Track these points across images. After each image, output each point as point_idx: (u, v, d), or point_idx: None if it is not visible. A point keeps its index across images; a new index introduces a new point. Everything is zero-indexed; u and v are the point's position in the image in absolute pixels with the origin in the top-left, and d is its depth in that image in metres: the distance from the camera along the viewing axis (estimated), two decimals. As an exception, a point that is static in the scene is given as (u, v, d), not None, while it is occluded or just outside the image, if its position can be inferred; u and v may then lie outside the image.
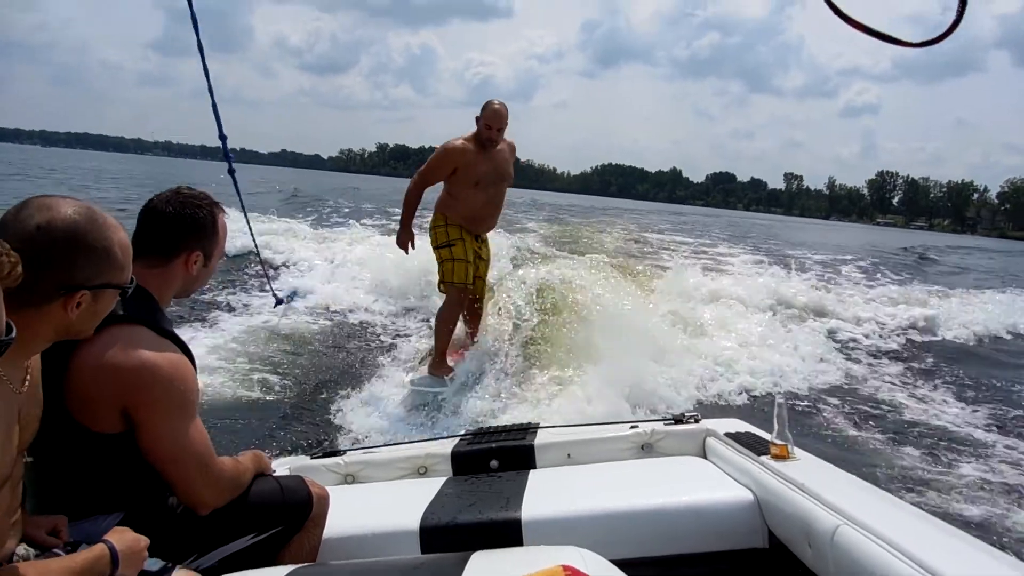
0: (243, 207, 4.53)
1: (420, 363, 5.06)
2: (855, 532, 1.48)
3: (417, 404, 4.50)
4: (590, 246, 13.10)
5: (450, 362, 4.82)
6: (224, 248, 1.76)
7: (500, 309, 5.33)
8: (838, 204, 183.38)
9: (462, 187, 4.69)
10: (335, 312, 7.08)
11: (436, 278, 4.92)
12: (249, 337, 5.80)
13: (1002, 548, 1.42)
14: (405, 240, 4.82)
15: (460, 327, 5.13)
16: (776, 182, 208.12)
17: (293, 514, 1.71)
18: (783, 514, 1.78)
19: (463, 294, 4.79)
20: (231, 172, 3.74)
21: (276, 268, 8.86)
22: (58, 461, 1.44)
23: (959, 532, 1.49)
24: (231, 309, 6.77)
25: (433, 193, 4.91)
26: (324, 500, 1.80)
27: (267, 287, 5.31)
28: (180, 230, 1.63)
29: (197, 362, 1.61)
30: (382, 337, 5.79)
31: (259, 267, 7.57)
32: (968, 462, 4.13)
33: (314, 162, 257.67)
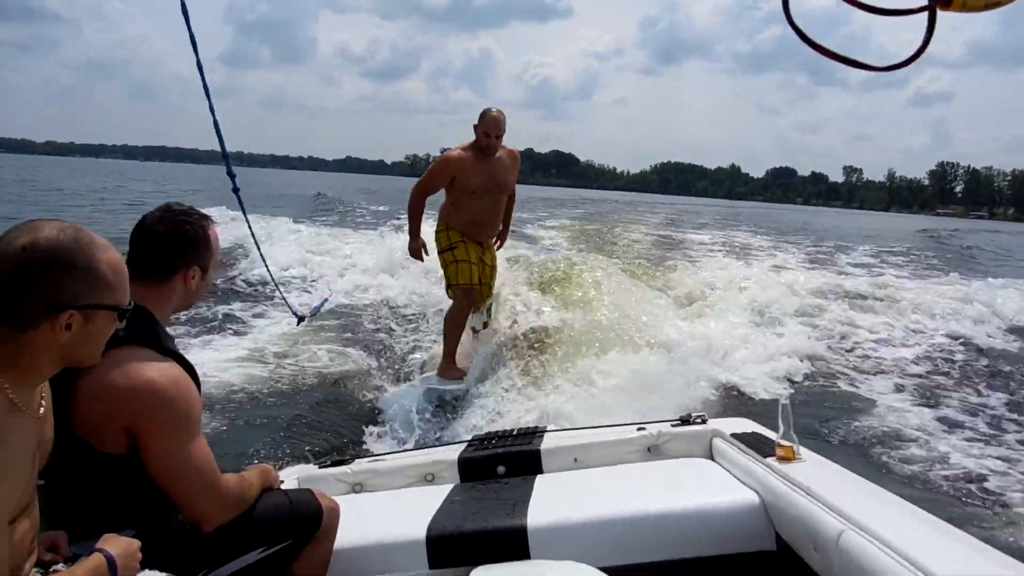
0: (249, 226, 4.72)
1: (425, 368, 5.10)
2: (860, 537, 1.47)
3: (425, 407, 4.50)
4: (612, 244, 12.96)
5: (460, 364, 4.85)
6: (219, 259, 1.78)
7: (509, 309, 5.33)
8: (898, 196, 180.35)
9: (460, 195, 4.74)
10: (342, 318, 7.12)
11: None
12: (259, 346, 5.84)
13: (1013, 555, 1.36)
14: (416, 248, 4.89)
15: (469, 332, 5.18)
16: (838, 176, 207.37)
17: (302, 527, 1.72)
18: (789, 517, 1.77)
19: (469, 295, 4.83)
20: (235, 191, 3.78)
21: (284, 283, 9.00)
22: (69, 482, 1.46)
23: (967, 537, 1.47)
24: (242, 321, 6.84)
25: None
26: (334, 513, 1.81)
27: (287, 306, 5.47)
28: (175, 248, 1.64)
29: (205, 373, 1.62)
30: (389, 342, 5.82)
31: (272, 286, 7.79)
32: (986, 464, 4.01)
33: (379, 167, 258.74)
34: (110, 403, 1.43)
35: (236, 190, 3.72)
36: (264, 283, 8.42)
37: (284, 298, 5.30)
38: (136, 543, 1.31)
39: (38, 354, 1.14)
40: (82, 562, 1.23)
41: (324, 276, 9.16)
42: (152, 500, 1.51)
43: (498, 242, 5.24)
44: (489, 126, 4.59)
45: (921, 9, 0.76)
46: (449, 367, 4.78)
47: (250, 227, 4.65)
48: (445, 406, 4.51)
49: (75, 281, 1.15)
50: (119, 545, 1.28)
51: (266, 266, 4.78)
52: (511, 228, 5.36)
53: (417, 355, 5.50)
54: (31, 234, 1.13)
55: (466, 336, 5.09)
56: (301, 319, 5.55)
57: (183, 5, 3.00)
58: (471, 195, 4.69)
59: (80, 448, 1.44)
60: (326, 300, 7.03)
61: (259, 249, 4.78)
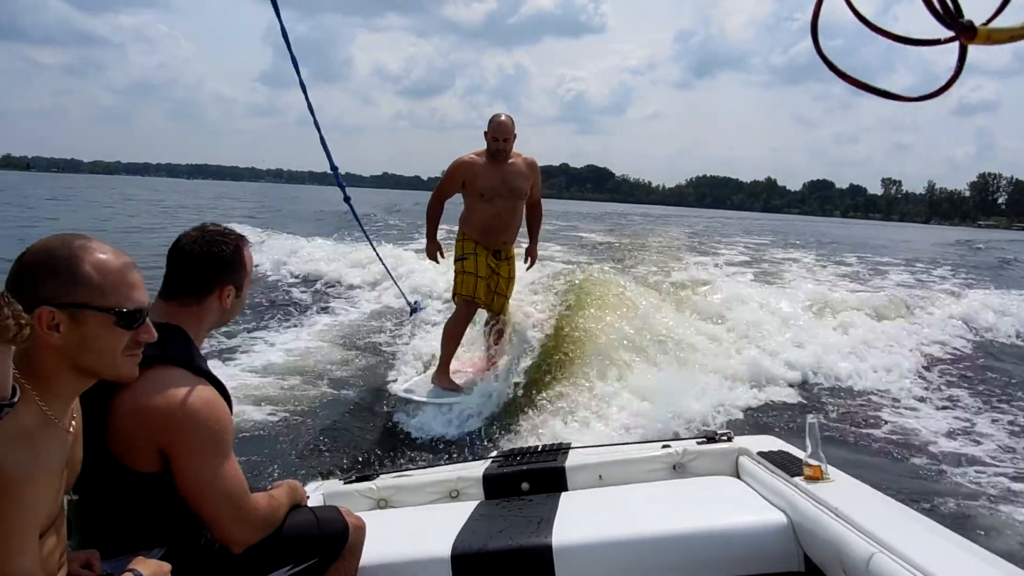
0: (363, 229, 5.13)
1: (420, 374, 5.17)
2: (891, 561, 1.44)
3: (446, 421, 4.53)
4: (635, 256, 12.84)
5: (463, 378, 4.91)
6: (251, 278, 1.80)
7: (530, 322, 5.35)
8: (938, 208, 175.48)
9: (471, 199, 4.91)
10: (363, 328, 7.22)
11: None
12: (281, 361, 5.91)
13: None
14: (432, 251, 5.13)
15: (479, 342, 5.29)
16: (877, 188, 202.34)
17: (329, 545, 1.73)
18: (818, 538, 1.75)
19: (469, 307, 4.97)
20: (346, 200, 4.24)
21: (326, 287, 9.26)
22: (102, 499, 1.49)
23: (1004, 563, 1.43)
24: (265, 334, 6.91)
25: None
26: (360, 530, 1.82)
27: (402, 297, 5.80)
28: (210, 268, 1.65)
29: (233, 388, 1.64)
30: (407, 351, 5.89)
31: (332, 288, 8.43)
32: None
33: (415, 183, 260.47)
34: (145, 422, 1.46)
35: (347, 199, 4.28)
36: (282, 303, 8.65)
37: (402, 292, 5.73)
38: (167, 566, 1.34)
39: (45, 360, 1.14)
40: None
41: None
42: (182, 519, 1.53)
43: (529, 259, 5.30)
44: (496, 130, 4.78)
45: (948, 40, 0.74)
46: (442, 375, 4.86)
47: (370, 242, 5.16)
48: (462, 421, 4.51)
49: (52, 280, 1.15)
50: (150, 567, 1.31)
51: (383, 264, 5.33)
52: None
53: (420, 364, 5.53)
54: (34, 243, 1.18)
55: (478, 349, 5.16)
56: (415, 310, 5.87)
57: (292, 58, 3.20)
58: (480, 198, 4.83)
59: (114, 465, 1.47)
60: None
61: (375, 248, 5.31)
